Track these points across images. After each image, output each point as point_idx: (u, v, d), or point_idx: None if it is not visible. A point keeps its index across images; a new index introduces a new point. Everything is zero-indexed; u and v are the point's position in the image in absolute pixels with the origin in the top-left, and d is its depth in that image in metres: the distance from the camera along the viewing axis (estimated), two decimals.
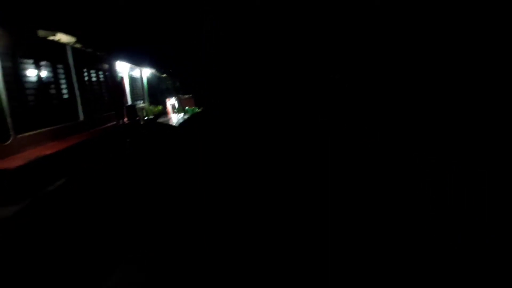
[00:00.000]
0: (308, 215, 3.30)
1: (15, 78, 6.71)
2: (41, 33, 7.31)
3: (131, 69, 16.19)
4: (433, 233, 2.70)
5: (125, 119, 12.47)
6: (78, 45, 9.06)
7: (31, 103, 7.23)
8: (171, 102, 18.55)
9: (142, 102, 17.50)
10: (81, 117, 9.69)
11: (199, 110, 16.60)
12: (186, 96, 18.09)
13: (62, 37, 7.84)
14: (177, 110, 18.95)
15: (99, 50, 9.63)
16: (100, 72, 11.86)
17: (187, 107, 18.83)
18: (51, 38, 7.90)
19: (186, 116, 16.24)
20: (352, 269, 2.30)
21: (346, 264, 2.36)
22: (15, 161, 5.54)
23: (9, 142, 6.16)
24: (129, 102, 14.76)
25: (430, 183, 3.75)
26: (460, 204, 3.14)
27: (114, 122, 11.96)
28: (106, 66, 12.44)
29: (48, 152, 6.29)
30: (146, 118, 14.78)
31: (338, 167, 4.84)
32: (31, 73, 7.39)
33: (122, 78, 14.59)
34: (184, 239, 2.96)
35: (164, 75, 14.13)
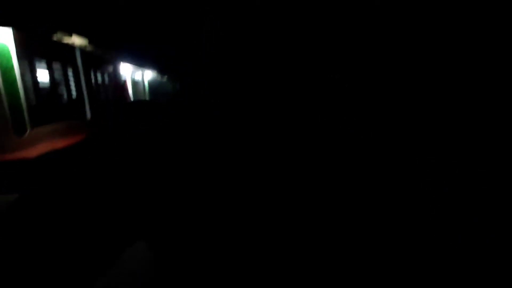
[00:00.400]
0: (309, 215, 3.25)
1: (31, 78, 7.11)
2: (56, 36, 7.75)
3: (134, 73, 16.60)
4: (433, 233, 2.66)
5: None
6: (86, 48, 9.49)
7: (45, 101, 7.63)
8: None
9: None
10: (88, 116, 10.09)
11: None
12: None
13: (74, 39, 8.28)
14: None
15: (106, 49, 10.06)
16: (106, 75, 12.30)
17: None
18: (64, 40, 8.33)
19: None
20: (352, 270, 2.30)
21: (345, 265, 2.36)
22: (33, 152, 5.92)
23: (26, 135, 6.55)
24: None
25: (430, 183, 3.69)
26: (460, 204, 3.09)
27: (118, 122, 12.34)
28: (111, 69, 12.88)
29: (59, 145, 6.67)
30: None
31: (338, 167, 4.78)
32: (45, 74, 7.81)
33: (125, 81, 15.00)
34: (184, 239, 2.91)
35: (164, 77, 14.60)
